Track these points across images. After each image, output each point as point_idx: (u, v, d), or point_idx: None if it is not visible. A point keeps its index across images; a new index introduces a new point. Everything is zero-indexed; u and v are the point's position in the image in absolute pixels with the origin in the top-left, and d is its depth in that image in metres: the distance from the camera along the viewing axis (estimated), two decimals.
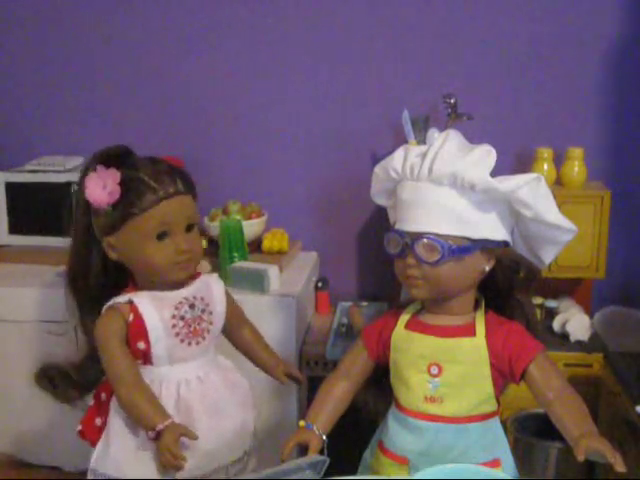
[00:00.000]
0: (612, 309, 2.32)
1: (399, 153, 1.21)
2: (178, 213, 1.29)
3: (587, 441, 1.07)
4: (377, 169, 1.27)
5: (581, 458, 1.05)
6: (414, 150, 1.20)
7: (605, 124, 2.33)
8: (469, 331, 1.21)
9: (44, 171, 2.40)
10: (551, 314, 2.18)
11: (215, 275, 1.45)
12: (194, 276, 1.39)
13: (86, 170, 1.31)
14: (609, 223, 2.12)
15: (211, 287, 1.40)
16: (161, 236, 1.28)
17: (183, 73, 2.49)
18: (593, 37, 2.28)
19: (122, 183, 1.25)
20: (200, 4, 2.43)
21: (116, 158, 1.30)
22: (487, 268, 1.20)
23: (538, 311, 2.18)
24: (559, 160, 2.20)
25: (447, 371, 1.20)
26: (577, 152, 2.17)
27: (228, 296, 1.45)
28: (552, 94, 2.34)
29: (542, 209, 1.15)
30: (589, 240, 2.12)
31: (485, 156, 1.15)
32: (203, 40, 2.45)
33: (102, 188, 1.25)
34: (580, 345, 2.08)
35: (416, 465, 1.21)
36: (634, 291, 2.40)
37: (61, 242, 2.39)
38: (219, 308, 1.40)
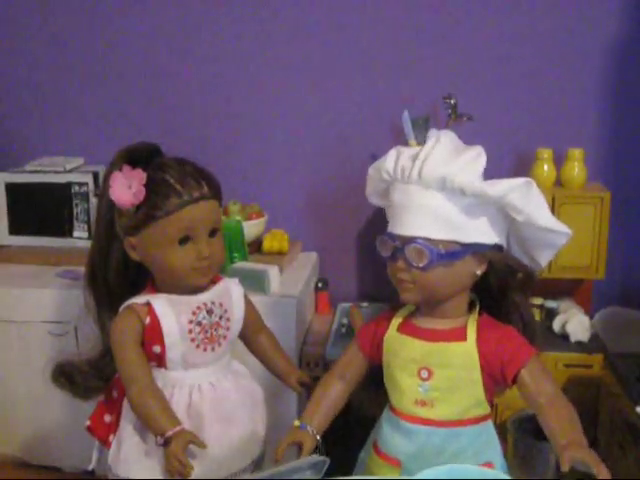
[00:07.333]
0: (612, 310, 2.32)
1: (391, 155, 1.21)
2: (202, 218, 1.26)
3: (571, 451, 1.06)
4: (371, 170, 1.27)
5: (565, 468, 1.04)
6: (406, 152, 1.19)
7: (605, 125, 2.33)
8: (460, 335, 1.20)
9: (44, 172, 2.40)
10: (551, 315, 2.18)
11: (235, 280, 1.42)
12: (214, 280, 1.36)
13: (112, 167, 1.28)
14: (609, 224, 2.12)
15: (231, 292, 1.38)
16: (183, 241, 1.26)
17: (183, 74, 2.49)
18: (594, 38, 2.28)
19: (147, 184, 1.23)
20: (201, 5, 2.44)
21: (143, 157, 1.28)
22: (479, 272, 1.19)
23: (538, 312, 2.19)
24: (559, 161, 2.20)
25: (437, 375, 1.20)
26: (577, 153, 2.17)
27: (247, 301, 1.43)
28: (552, 95, 2.33)
29: (533, 213, 1.14)
30: (589, 241, 2.11)
31: (474, 159, 1.14)
32: (203, 41, 2.46)
33: (127, 188, 1.24)
34: (580, 346, 2.08)
35: (408, 467, 1.21)
36: (634, 292, 2.40)
37: (61, 243, 2.40)
38: (237, 314, 1.38)
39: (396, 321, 1.26)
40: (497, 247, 1.19)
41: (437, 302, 1.21)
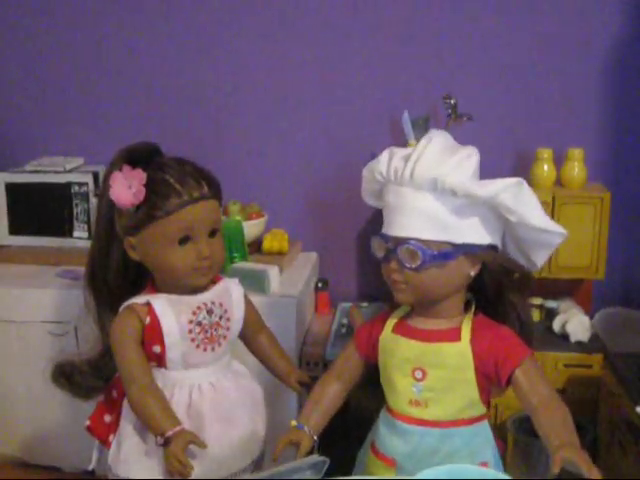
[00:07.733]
0: (612, 310, 2.32)
1: (384, 156, 1.21)
2: (202, 218, 1.26)
3: (562, 453, 1.04)
4: (365, 171, 1.27)
5: (555, 470, 1.03)
6: (399, 153, 1.19)
7: (605, 125, 2.33)
8: (454, 336, 1.20)
9: (44, 172, 2.40)
10: (551, 315, 2.18)
11: (235, 280, 1.42)
12: (214, 280, 1.37)
13: (112, 167, 1.28)
14: (609, 224, 2.12)
15: (231, 292, 1.38)
16: (183, 241, 1.26)
17: (182, 74, 2.49)
18: (593, 37, 2.28)
19: (147, 184, 1.23)
20: (200, 5, 2.44)
21: (143, 157, 1.28)
22: (472, 273, 1.19)
23: (538, 312, 2.19)
24: (559, 161, 2.20)
25: (431, 376, 1.20)
26: (577, 153, 2.17)
27: (247, 301, 1.43)
28: (552, 95, 2.34)
29: (525, 213, 1.13)
30: (589, 241, 2.11)
31: (466, 160, 1.13)
32: (203, 41, 2.46)
33: (127, 188, 1.24)
34: (580, 346, 2.08)
35: (403, 467, 1.21)
36: (634, 292, 2.40)
37: (61, 243, 2.40)
38: (237, 314, 1.38)
39: (391, 322, 1.26)
40: (491, 247, 1.18)
41: (431, 302, 1.20)
